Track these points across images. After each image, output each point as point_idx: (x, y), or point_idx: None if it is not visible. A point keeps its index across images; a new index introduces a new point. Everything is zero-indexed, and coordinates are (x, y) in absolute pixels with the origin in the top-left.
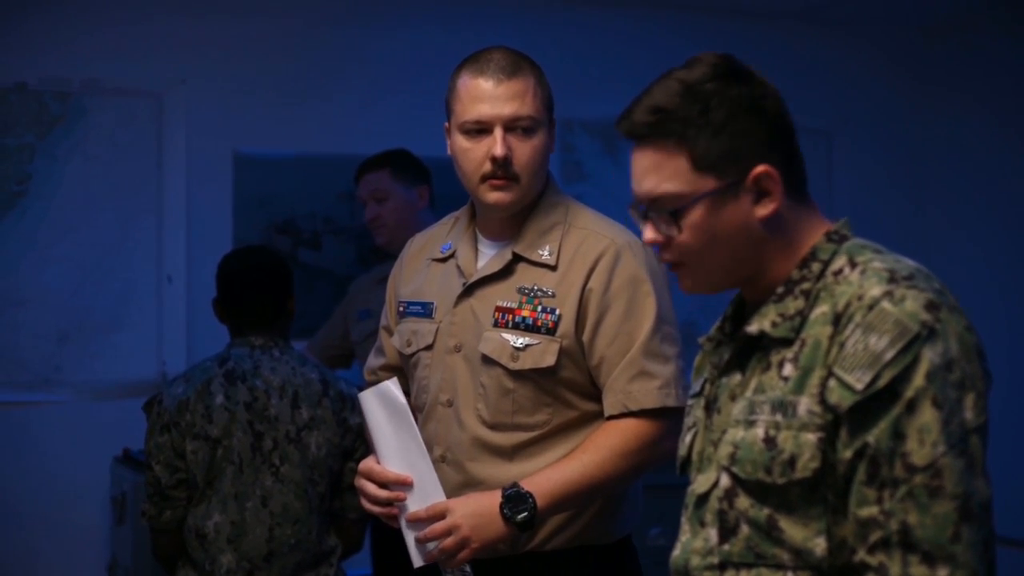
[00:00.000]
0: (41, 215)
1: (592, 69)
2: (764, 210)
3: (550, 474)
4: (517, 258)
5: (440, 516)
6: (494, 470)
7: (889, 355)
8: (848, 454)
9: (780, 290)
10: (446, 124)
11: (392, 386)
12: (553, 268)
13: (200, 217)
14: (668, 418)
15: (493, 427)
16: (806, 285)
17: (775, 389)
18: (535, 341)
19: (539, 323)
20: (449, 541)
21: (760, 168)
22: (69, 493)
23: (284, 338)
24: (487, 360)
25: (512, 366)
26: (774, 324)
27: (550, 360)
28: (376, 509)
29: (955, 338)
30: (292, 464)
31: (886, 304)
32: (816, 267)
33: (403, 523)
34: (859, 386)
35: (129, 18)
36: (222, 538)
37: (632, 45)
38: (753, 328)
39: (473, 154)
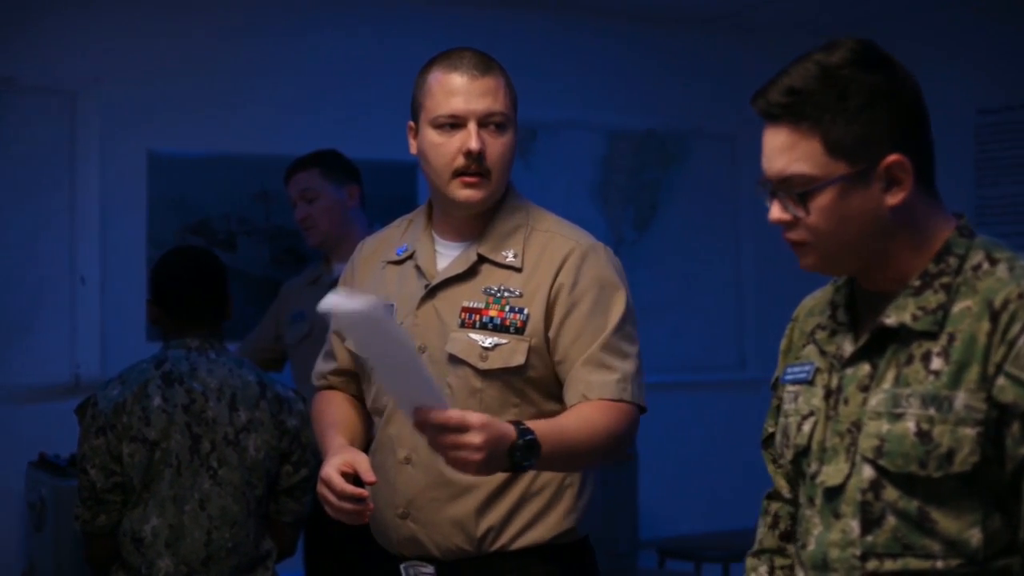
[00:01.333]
0: None
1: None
2: (894, 199)
3: (553, 428)
4: (482, 259)
5: (463, 428)
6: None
7: None
8: (1022, 451)
9: (916, 283)
10: (410, 123)
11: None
12: (519, 270)
13: (114, 217)
14: (628, 413)
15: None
16: (945, 279)
17: (922, 383)
18: (504, 341)
19: (507, 323)
20: (459, 455)
21: (892, 157)
22: None
23: (219, 340)
24: (455, 360)
25: (481, 366)
26: (915, 317)
27: (519, 359)
28: (347, 506)
29: None
30: (230, 467)
31: None
32: (953, 261)
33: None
34: None
35: (44, 15)
36: (160, 542)
37: (545, 49)
38: (892, 320)
39: (445, 148)
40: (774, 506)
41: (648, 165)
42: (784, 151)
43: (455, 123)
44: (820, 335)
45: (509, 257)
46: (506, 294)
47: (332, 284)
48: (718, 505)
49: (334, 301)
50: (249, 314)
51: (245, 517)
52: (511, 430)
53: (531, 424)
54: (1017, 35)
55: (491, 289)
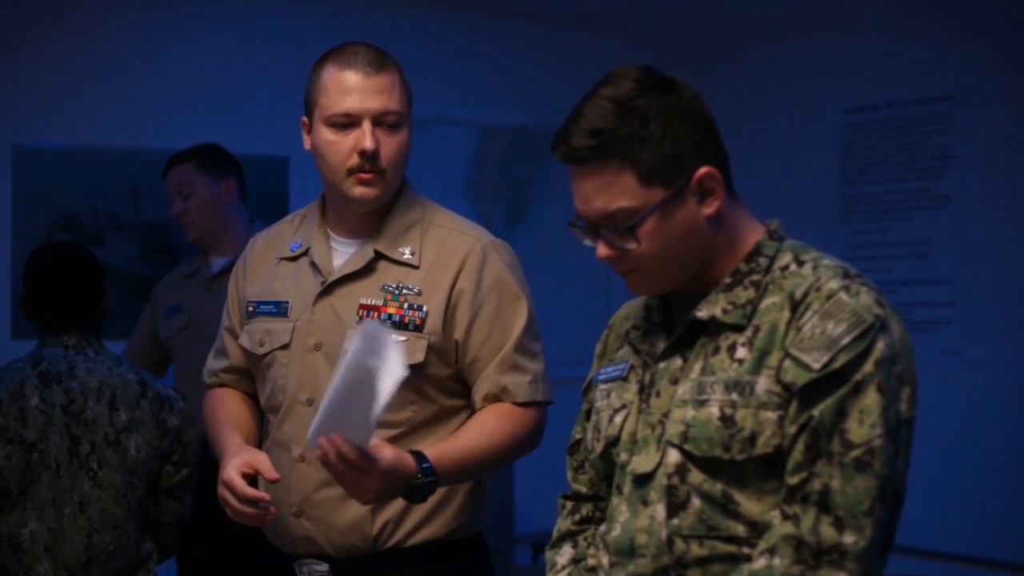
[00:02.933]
0: None
1: None
2: (709, 209)
3: (454, 456)
4: (379, 256)
5: (364, 470)
6: None
7: (846, 340)
8: (793, 429)
9: (728, 280)
10: (304, 119)
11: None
12: (416, 267)
13: None
14: (539, 412)
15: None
16: (755, 277)
17: (727, 371)
18: (403, 338)
19: (406, 320)
20: (354, 488)
21: (703, 170)
22: None
23: (97, 338)
24: None
25: None
26: (724, 311)
27: (419, 356)
28: (248, 510)
29: (898, 335)
30: (111, 468)
31: (843, 296)
32: (763, 261)
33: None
34: (815, 365)
35: None
36: (38, 546)
37: (416, 45)
38: (703, 313)
39: (340, 147)
40: (570, 503)
41: (520, 161)
42: (601, 191)
43: (349, 122)
44: (634, 335)
45: (406, 254)
46: (404, 291)
47: (211, 278)
48: None
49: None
50: (118, 310)
51: (126, 519)
52: (409, 465)
53: (433, 453)
54: (881, 34)
55: (389, 286)
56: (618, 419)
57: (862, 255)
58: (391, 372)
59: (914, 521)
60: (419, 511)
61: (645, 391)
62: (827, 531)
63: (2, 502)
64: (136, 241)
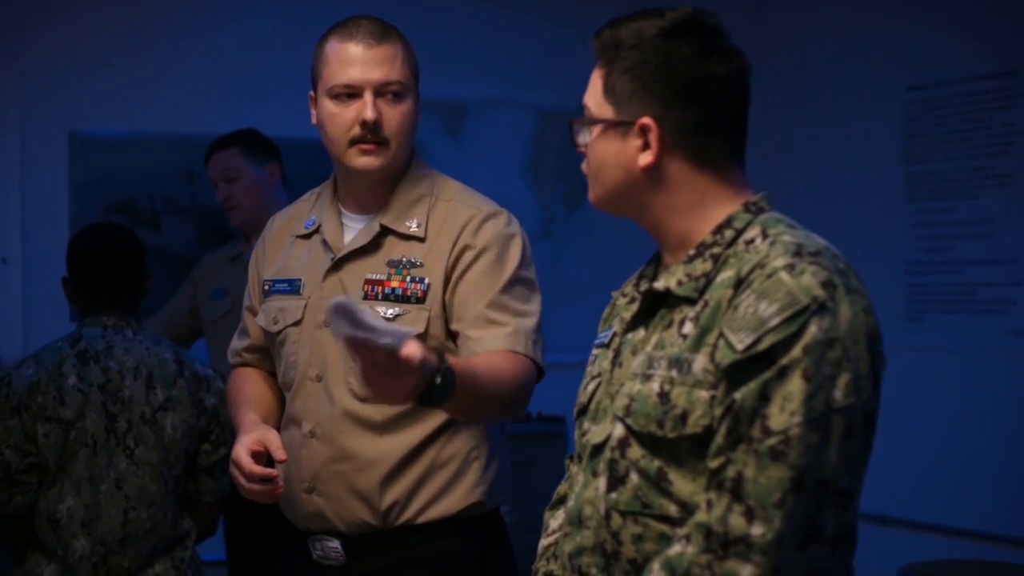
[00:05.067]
0: None
1: (433, 50)
2: (642, 160)
3: (468, 371)
4: (385, 231)
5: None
6: (364, 443)
7: (774, 322)
8: (719, 411)
9: (691, 252)
10: (311, 93)
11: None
12: (421, 240)
13: (35, 198)
14: (528, 370)
15: (364, 400)
16: (716, 250)
17: (673, 346)
18: (405, 311)
19: (408, 292)
20: (375, 382)
21: (644, 119)
22: None
23: (136, 318)
24: None
25: None
26: (680, 283)
27: (419, 328)
28: (255, 487)
29: (845, 318)
30: (147, 446)
31: (784, 275)
32: (729, 234)
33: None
34: (739, 346)
35: None
36: (75, 522)
37: (474, 27)
38: (660, 284)
39: (341, 118)
40: (573, 466)
41: None
42: (589, 85)
43: (351, 93)
44: (621, 302)
45: (412, 227)
46: (408, 264)
47: None
48: None
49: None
50: (175, 293)
51: (163, 497)
52: (435, 366)
53: (455, 361)
54: (945, 11)
55: (394, 260)
56: (591, 387)
57: (928, 234)
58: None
59: (989, 504)
60: (430, 488)
61: (615, 360)
62: (736, 520)
63: (41, 479)
64: (192, 225)
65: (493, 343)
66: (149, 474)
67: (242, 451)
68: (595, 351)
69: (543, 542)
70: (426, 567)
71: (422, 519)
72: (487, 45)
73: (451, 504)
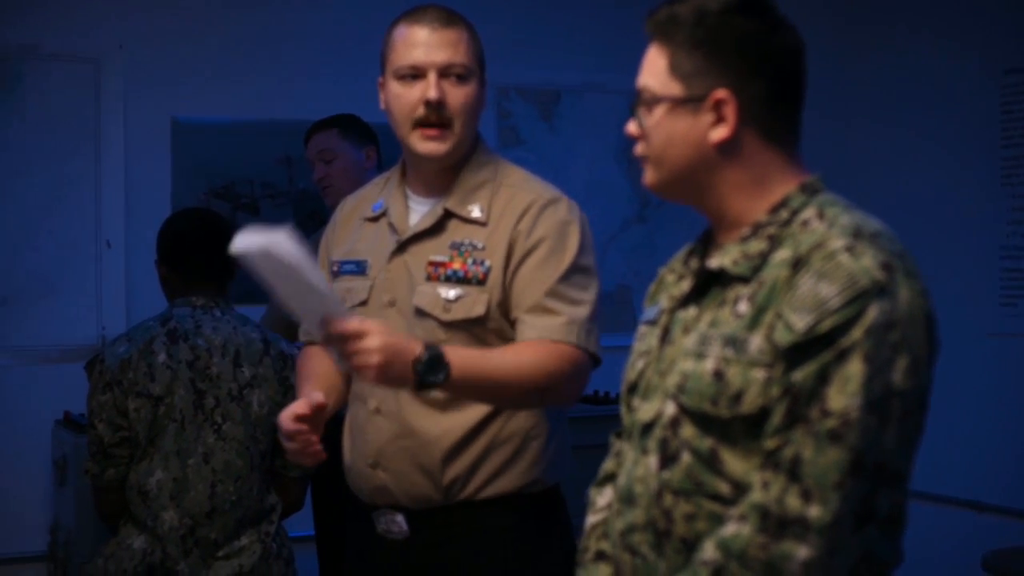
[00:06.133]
0: None
1: (527, 36)
2: (716, 134)
3: (471, 354)
4: (448, 214)
5: (361, 336)
6: (427, 420)
7: (834, 304)
8: (776, 391)
9: (746, 232)
10: (380, 79)
11: (283, 240)
12: (484, 224)
13: (138, 182)
14: (576, 356)
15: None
16: (772, 230)
17: (728, 325)
18: (466, 292)
19: (470, 275)
20: (357, 360)
21: (720, 93)
22: (11, 457)
23: (225, 299)
24: (420, 313)
25: (444, 317)
26: (735, 262)
27: (480, 310)
28: (291, 445)
29: (904, 301)
30: (234, 422)
31: (844, 257)
32: (785, 214)
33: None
34: (800, 326)
35: None
36: (164, 495)
37: (568, 12)
38: (714, 263)
39: (406, 99)
40: (619, 443)
41: None
42: (646, 66)
43: (416, 74)
44: (670, 279)
45: (475, 212)
46: (470, 247)
47: None
48: None
49: (237, 243)
50: None
51: (249, 471)
52: (416, 344)
53: (447, 347)
54: None
55: (456, 243)
56: (640, 364)
57: None
58: (285, 247)
59: None
60: (490, 464)
61: (664, 338)
62: (793, 501)
63: (132, 453)
64: (290, 209)
65: (545, 331)
66: (235, 449)
67: (285, 414)
68: (642, 328)
69: (590, 519)
70: (487, 542)
71: (483, 495)
72: (581, 30)
73: (511, 481)
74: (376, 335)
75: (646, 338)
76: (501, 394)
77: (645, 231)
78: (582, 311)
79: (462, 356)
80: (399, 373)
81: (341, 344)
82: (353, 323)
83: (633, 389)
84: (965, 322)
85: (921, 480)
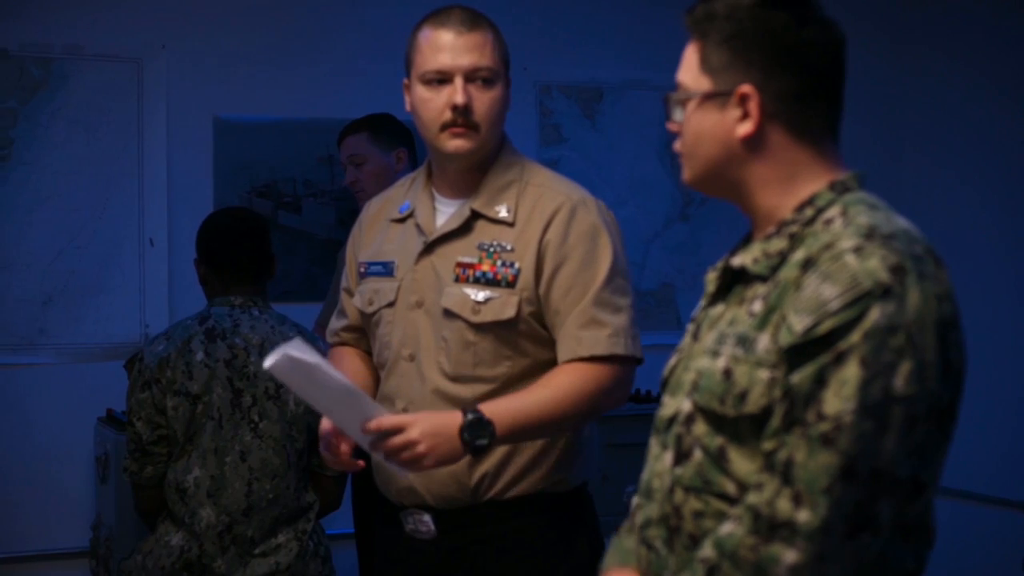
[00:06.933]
0: (23, 180)
1: (569, 34)
2: (741, 129)
3: (509, 404)
4: (475, 215)
5: (400, 430)
6: None
7: (834, 306)
8: (778, 392)
9: (771, 230)
10: (405, 80)
11: (293, 351)
12: (511, 225)
13: (181, 181)
14: (620, 366)
15: (455, 379)
16: (794, 228)
17: (742, 324)
18: (495, 294)
19: (499, 277)
20: (406, 455)
21: (744, 87)
22: (54, 454)
23: (263, 298)
24: (449, 314)
25: (474, 319)
26: (755, 260)
27: (510, 312)
28: (327, 455)
29: (913, 305)
30: (271, 420)
31: (850, 257)
32: (809, 212)
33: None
34: (799, 328)
35: None
36: (202, 492)
37: (609, 10)
38: (736, 261)
39: (433, 103)
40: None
41: None
42: (683, 62)
43: (442, 78)
44: (710, 276)
45: (502, 212)
46: (498, 249)
47: None
48: None
49: (266, 362)
50: (315, 275)
51: (286, 469)
52: (455, 415)
53: (484, 404)
54: None
55: (484, 244)
56: (673, 360)
57: None
58: (302, 348)
59: None
60: (516, 465)
61: (696, 335)
62: (784, 504)
63: (170, 450)
64: (332, 208)
65: (595, 346)
66: (272, 447)
67: (325, 421)
68: (690, 325)
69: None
70: (514, 541)
71: (510, 495)
72: (623, 28)
73: (538, 480)
74: (415, 426)
75: (686, 336)
76: (549, 430)
77: (688, 229)
78: (624, 318)
79: (501, 409)
80: (449, 451)
81: (382, 443)
82: (390, 419)
83: (665, 385)
84: (1007, 322)
85: (962, 479)
